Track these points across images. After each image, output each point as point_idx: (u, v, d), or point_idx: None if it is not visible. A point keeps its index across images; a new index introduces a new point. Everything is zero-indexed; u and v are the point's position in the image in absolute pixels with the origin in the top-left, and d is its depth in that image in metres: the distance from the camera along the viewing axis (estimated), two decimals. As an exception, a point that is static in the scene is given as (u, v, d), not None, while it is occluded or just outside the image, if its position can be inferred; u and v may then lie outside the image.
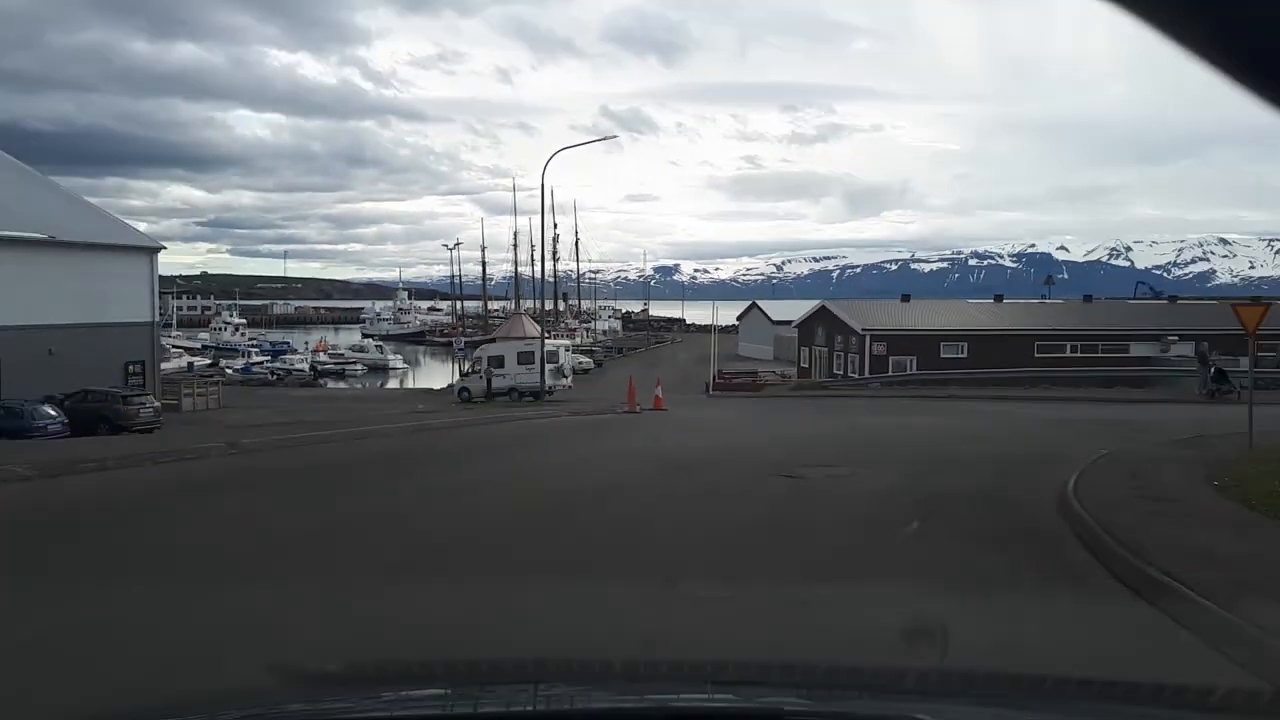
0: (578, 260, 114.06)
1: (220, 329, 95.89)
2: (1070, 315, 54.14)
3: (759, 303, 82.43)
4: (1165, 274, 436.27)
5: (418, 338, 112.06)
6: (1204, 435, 17.75)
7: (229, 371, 65.19)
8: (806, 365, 57.14)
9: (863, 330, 49.27)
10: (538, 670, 2.78)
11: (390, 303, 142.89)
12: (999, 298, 57.04)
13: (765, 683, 2.53)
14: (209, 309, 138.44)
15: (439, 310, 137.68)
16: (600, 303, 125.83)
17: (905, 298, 55.63)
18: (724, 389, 45.43)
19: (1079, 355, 50.14)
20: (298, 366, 69.92)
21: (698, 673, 2.70)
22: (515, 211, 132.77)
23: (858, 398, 33.61)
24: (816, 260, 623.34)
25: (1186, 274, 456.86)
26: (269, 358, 76.10)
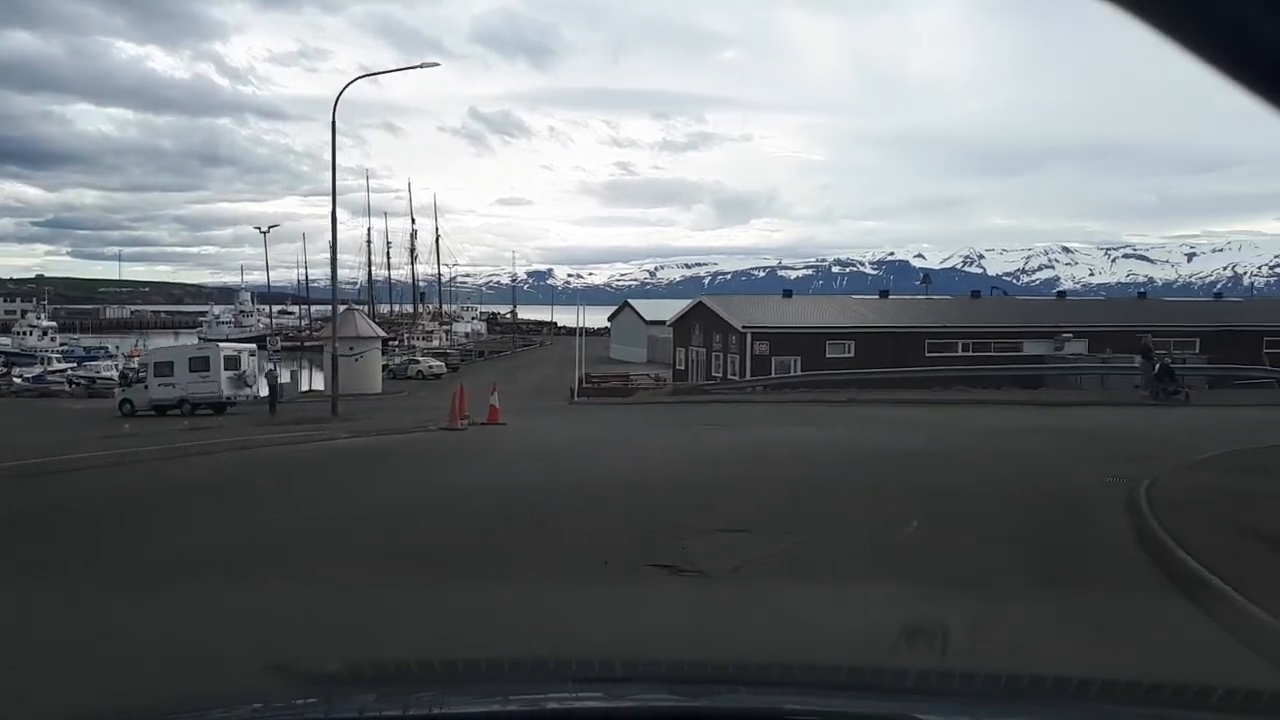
0: (439, 261, 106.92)
1: (24, 333, 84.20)
2: (958, 312, 50.37)
3: (631, 301, 76.71)
4: (1015, 280, 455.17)
5: (259, 342, 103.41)
6: (1239, 452, 12.70)
7: (18, 380, 56.74)
8: (683, 367, 51.72)
9: (743, 328, 44.08)
10: (536, 670, 2.69)
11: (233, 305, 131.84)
12: (884, 294, 52.88)
13: (765, 683, 2.46)
14: (29, 311, 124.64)
15: (290, 313, 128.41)
16: (465, 305, 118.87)
17: (787, 293, 50.86)
18: (592, 395, 39.55)
19: (971, 354, 46.31)
20: (104, 374, 60.89)
21: (698, 672, 2.64)
22: (370, 211, 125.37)
23: (745, 403, 27.93)
24: (689, 266, 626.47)
25: (1034, 280, 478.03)
26: (74, 365, 66.94)
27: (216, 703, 2.30)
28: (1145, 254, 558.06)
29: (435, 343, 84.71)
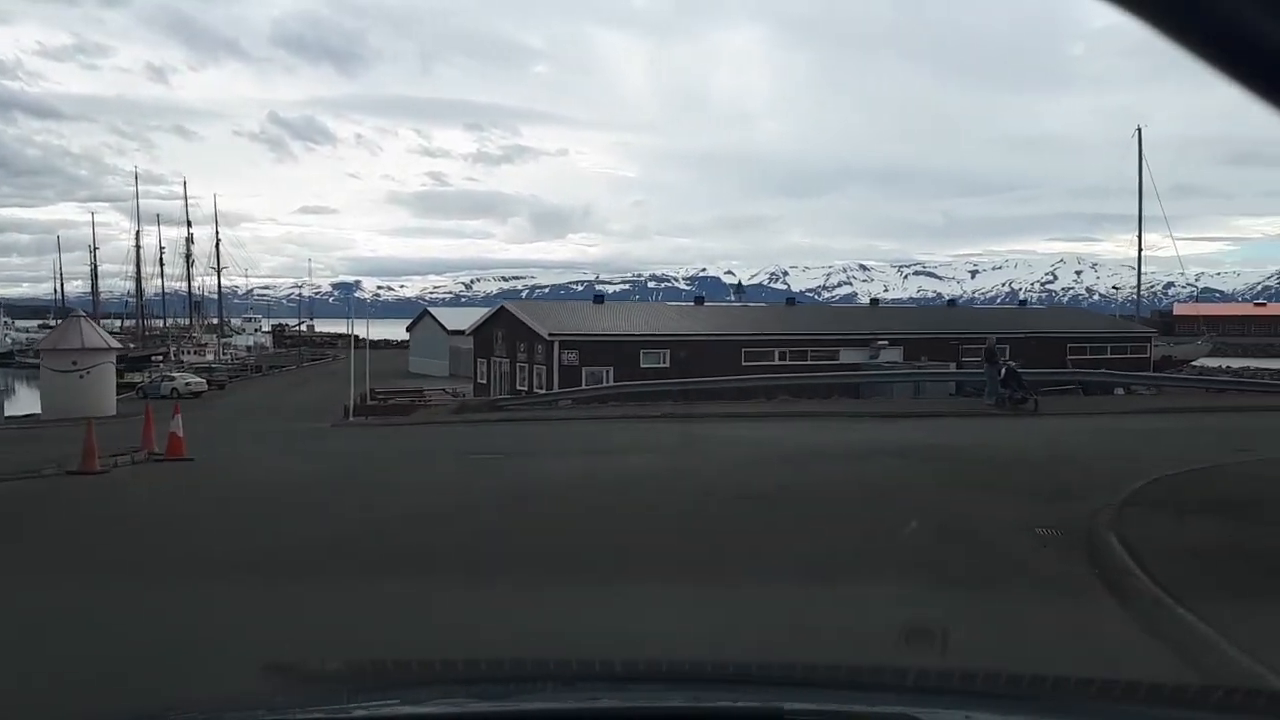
0: (219, 270, 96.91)
1: None
2: (774, 320, 47.93)
3: (432, 310, 70.75)
4: (816, 296, 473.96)
5: (5, 358, 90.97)
6: (1179, 477, 9.37)
7: None
8: (485, 380, 46.74)
9: (549, 336, 39.68)
10: (537, 669, 2.57)
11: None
12: (700, 300, 49.83)
13: (765, 682, 2.38)
14: None
15: (50, 328, 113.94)
16: (248, 317, 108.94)
17: (599, 299, 46.83)
18: (371, 414, 34.12)
19: (788, 362, 43.82)
20: None
21: (697, 672, 2.56)
22: (138, 216, 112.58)
23: (546, 421, 23.39)
24: (505, 279, 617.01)
25: (834, 296, 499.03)
26: None
27: (216, 703, 2.30)
28: (934, 271, 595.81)
29: (210, 357, 76.17)
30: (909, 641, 3.77)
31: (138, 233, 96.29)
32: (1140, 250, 60.90)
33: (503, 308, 44.53)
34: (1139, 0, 0.87)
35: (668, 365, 41.38)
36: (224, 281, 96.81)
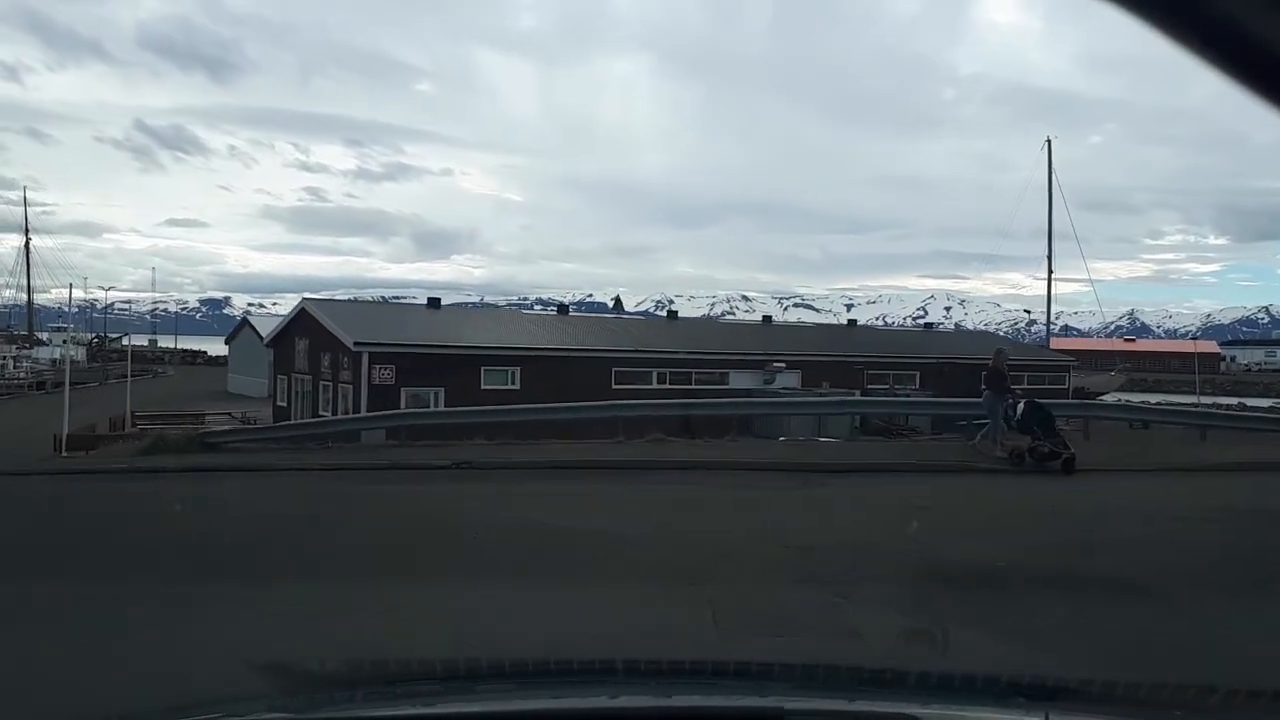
0: (29, 277, 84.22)
1: None
2: (653, 335, 38.90)
3: (252, 320, 59.23)
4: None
5: None
6: None
7: None
8: (285, 403, 36.20)
9: (356, 346, 29.60)
10: (538, 669, 2.51)
11: None
12: (564, 309, 40.40)
13: (765, 683, 2.34)
14: None
15: None
16: (56, 327, 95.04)
17: (434, 302, 36.84)
18: (99, 445, 23.66)
19: (668, 385, 34.92)
20: None
21: (698, 672, 2.49)
22: None
23: (252, 473, 13.64)
24: (386, 300, 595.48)
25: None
26: None
27: (215, 703, 2.22)
28: (812, 303, 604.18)
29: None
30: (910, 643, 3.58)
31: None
32: (1050, 271, 54.80)
33: (304, 310, 34.08)
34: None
35: (517, 386, 31.91)
36: (79, 295, 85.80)
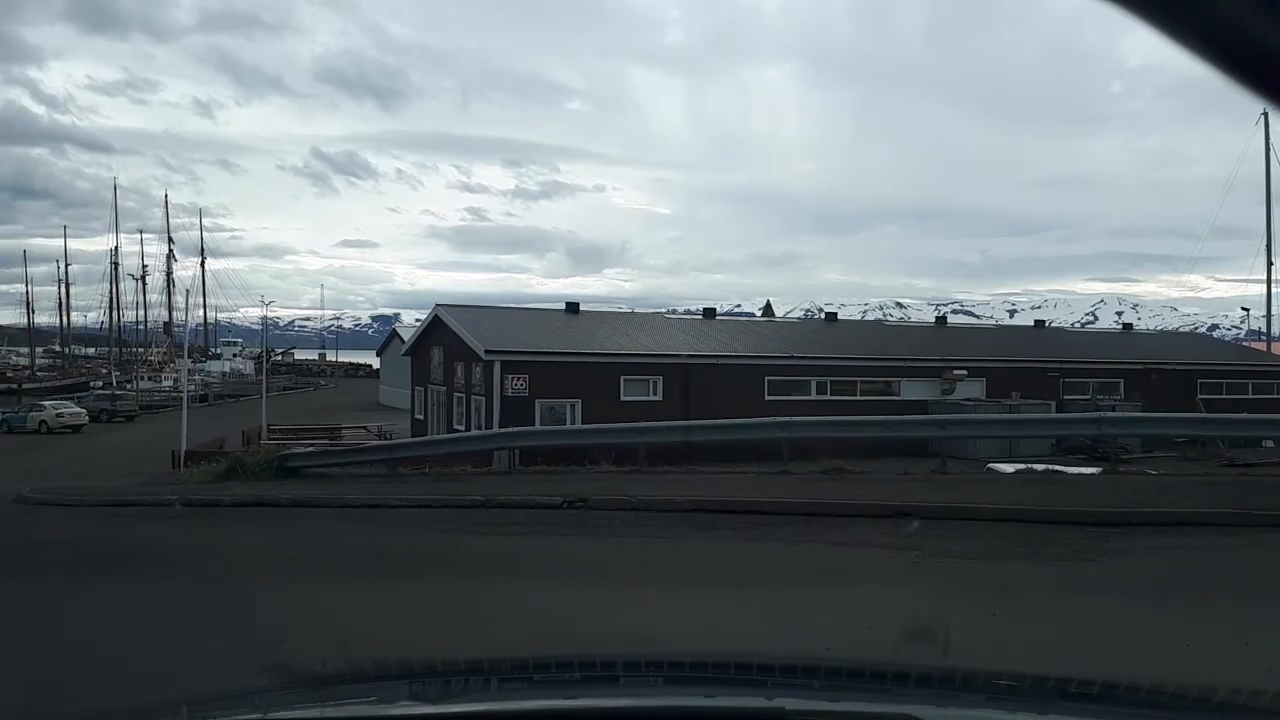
0: (204, 295, 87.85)
1: None
2: (811, 339, 34.56)
3: (401, 328, 58.40)
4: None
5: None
6: None
7: None
8: (422, 415, 34.08)
9: (487, 354, 26.84)
10: (539, 668, 2.43)
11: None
12: (711, 313, 36.64)
13: (766, 683, 2.27)
14: None
15: (64, 352, 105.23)
16: (227, 341, 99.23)
17: (572, 307, 33.85)
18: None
19: (828, 397, 30.62)
20: None
21: (699, 672, 2.42)
22: (117, 228, 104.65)
23: (309, 510, 10.54)
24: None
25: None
26: None
27: (216, 702, 2.23)
28: (971, 309, 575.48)
29: (168, 383, 65.33)
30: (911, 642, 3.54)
31: (114, 248, 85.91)
32: (1270, 264, 46.65)
33: (437, 317, 31.72)
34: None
35: (659, 397, 28.48)
36: (262, 313, 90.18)
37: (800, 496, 9.92)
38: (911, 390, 32.37)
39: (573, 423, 27.22)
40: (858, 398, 31.40)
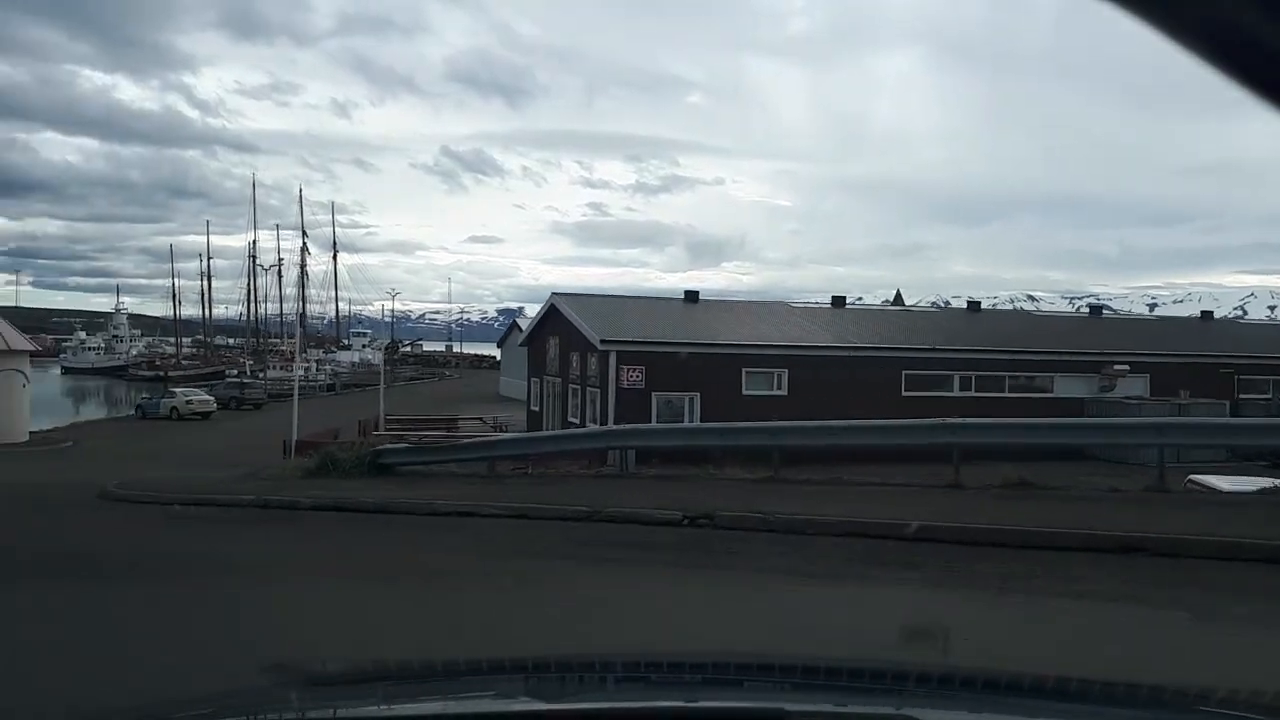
0: (335, 288, 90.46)
1: None
2: (952, 330, 31.57)
3: (521, 319, 57.71)
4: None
5: (119, 371, 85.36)
6: None
7: None
8: (537, 407, 32.83)
9: (602, 344, 25.23)
10: (539, 669, 2.35)
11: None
12: (840, 300, 34.05)
13: (767, 682, 2.26)
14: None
15: (207, 342, 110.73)
16: (357, 332, 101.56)
17: (691, 296, 31.91)
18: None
19: (973, 393, 27.76)
20: None
21: (699, 672, 2.35)
22: (255, 224, 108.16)
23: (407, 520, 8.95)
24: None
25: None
26: None
27: (216, 702, 2.17)
28: (1109, 303, 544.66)
29: (300, 372, 66.79)
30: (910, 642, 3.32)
31: (253, 241, 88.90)
32: None
33: (553, 306, 30.32)
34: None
35: (785, 391, 26.30)
36: (396, 306, 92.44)
37: (987, 520, 7.70)
38: (1065, 387, 29.09)
39: (691, 418, 25.37)
40: (1005, 394, 28.40)
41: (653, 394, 25.29)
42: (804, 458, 11.34)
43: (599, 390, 25.94)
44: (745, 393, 25.83)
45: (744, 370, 26.08)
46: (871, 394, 25.41)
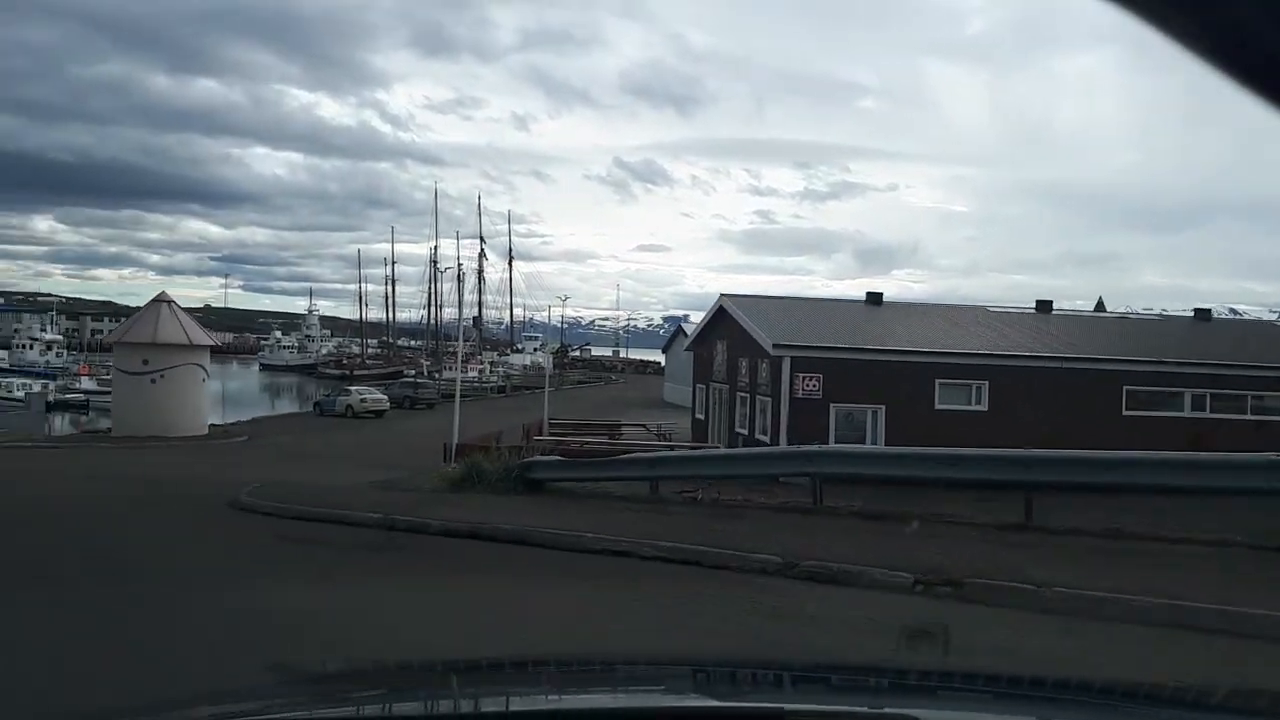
0: (510, 294, 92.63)
1: (23, 347, 71.30)
2: (1179, 339, 27.14)
3: (687, 325, 55.98)
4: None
5: (310, 369, 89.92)
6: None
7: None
8: (703, 415, 30.79)
9: (775, 349, 22.87)
10: (537, 669, 2.37)
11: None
12: (1046, 305, 30.13)
13: (766, 683, 2.25)
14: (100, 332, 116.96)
15: (390, 343, 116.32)
16: (528, 336, 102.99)
17: (874, 297, 28.96)
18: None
19: (1206, 414, 23.64)
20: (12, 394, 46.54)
21: (700, 673, 2.35)
22: (437, 231, 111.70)
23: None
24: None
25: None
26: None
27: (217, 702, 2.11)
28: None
29: (473, 374, 67.77)
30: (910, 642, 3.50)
31: (435, 246, 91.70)
32: None
33: (721, 307, 28.18)
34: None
35: (984, 407, 23.15)
36: (567, 312, 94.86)
37: None
38: (1328, 410, 24.32)
39: (875, 434, 22.65)
40: (1246, 416, 24.06)
41: (830, 405, 22.72)
42: (1061, 495, 8.60)
43: (770, 399, 23.62)
44: (938, 406, 22.88)
45: (937, 381, 23.07)
46: (1086, 411, 21.97)
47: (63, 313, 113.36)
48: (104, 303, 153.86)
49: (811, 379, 22.64)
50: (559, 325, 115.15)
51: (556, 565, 7.13)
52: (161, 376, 27.31)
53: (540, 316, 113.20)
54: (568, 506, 9.66)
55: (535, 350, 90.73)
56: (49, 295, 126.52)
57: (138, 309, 35.12)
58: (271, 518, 9.83)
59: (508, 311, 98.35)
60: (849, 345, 23.27)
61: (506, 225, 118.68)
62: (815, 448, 9.47)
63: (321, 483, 14.71)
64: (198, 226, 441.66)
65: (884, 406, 22.69)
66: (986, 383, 23.29)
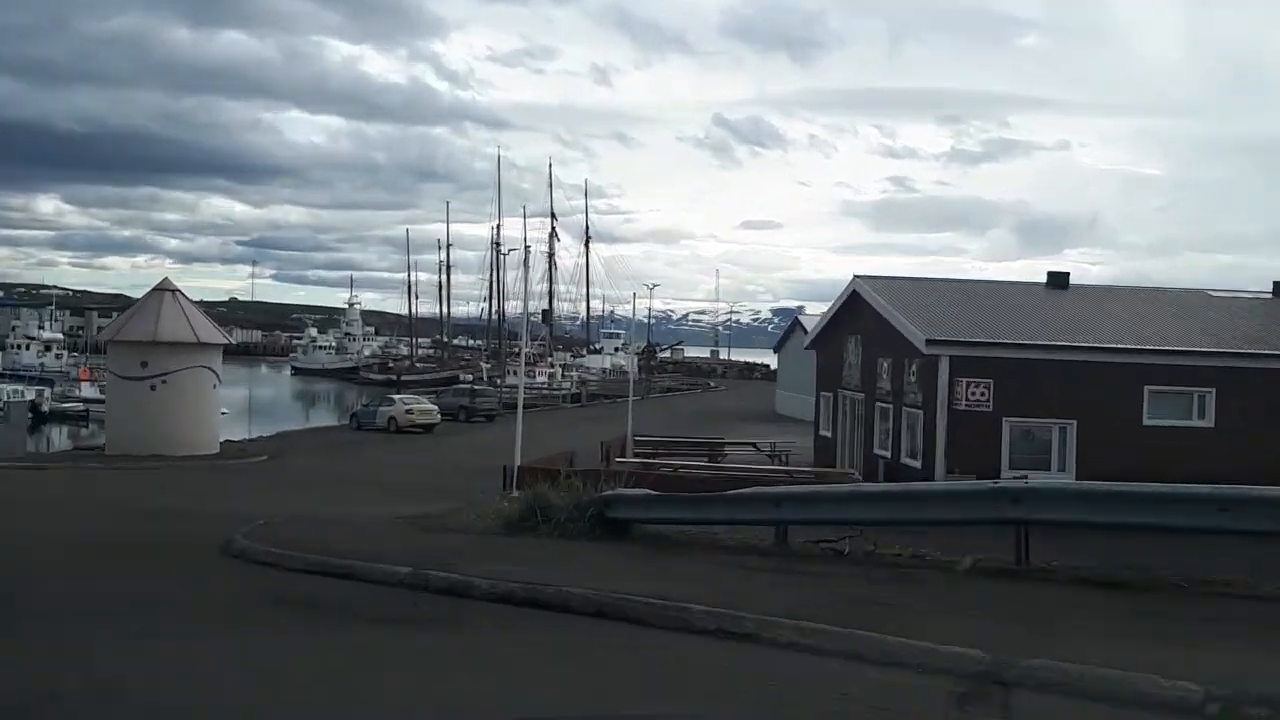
0: (588, 288, 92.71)
1: (18, 348, 74.04)
2: None
3: (804, 319, 54.49)
4: None
5: (350, 373, 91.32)
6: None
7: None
8: (829, 432, 29.35)
9: (928, 347, 21.38)
10: None
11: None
12: (1286, 288, 27.72)
13: None
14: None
15: (445, 343, 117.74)
16: (609, 334, 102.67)
17: (1057, 279, 27.04)
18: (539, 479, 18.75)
19: None
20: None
21: None
22: (500, 206, 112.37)
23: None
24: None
25: None
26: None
27: None
28: None
29: (542, 378, 67.35)
30: None
31: (496, 226, 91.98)
32: None
33: (854, 293, 26.72)
34: None
35: (1208, 422, 21.30)
36: (654, 304, 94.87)
37: None
38: None
39: (1063, 457, 21.02)
40: None
41: (1004, 419, 21.20)
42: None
43: (921, 412, 22.16)
44: (1146, 422, 21.11)
45: (1146, 388, 21.26)
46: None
47: (66, 307, 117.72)
48: (114, 295, 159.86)
49: (978, 386, 21.13)
50: (645, 320, 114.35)
51: (651, 648, 5.98)
52: (163, 382, 27.25)
53: (623, 309, 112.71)
54: (663, 558, 8.57)
55: (616, 351, 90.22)
56: (53, 288, 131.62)
57: (146, 301, 35.44)
58: (270, 569, 8.99)
59: (583, 304, 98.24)
60: (1028, 341, 21.64)
61: (583, 200, 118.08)
62: (1022, 484, 8.08)
63: (348, 517, 13.95)
64: (222, 205, 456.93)
65: (1075, 422, 21.07)
66: (1213, 390, 21.47)
